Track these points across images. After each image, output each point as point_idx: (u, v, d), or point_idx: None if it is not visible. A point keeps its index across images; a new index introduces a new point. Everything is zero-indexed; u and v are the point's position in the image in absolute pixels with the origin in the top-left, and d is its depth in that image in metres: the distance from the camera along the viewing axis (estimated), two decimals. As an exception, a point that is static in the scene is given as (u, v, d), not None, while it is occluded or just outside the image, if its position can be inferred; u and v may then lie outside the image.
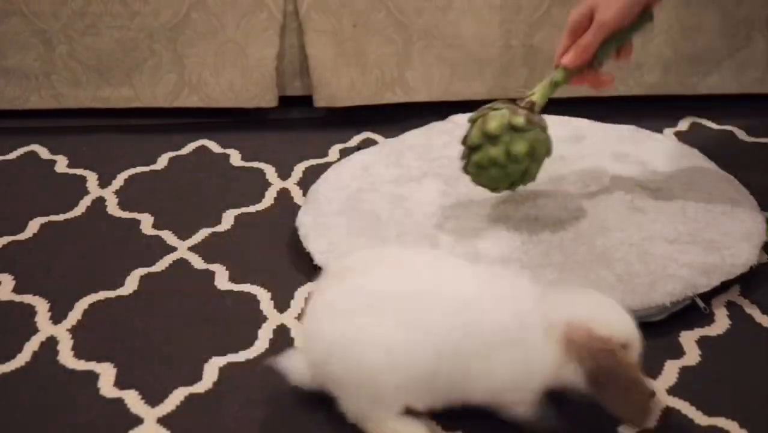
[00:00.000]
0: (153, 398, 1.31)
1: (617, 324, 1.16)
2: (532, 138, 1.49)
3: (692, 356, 1.37)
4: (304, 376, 1.25)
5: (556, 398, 1.30)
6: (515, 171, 1.50)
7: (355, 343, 1.17)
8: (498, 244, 1.51)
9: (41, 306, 1.48)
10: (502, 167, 1.49)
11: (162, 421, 1.27)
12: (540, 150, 1.51)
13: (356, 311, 1.17)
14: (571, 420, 1.26)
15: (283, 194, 1.75)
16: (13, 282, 1.53)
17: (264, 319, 1.45)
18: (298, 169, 1.82)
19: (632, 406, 1.16)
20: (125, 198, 1.74)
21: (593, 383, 1.15)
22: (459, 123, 1.86)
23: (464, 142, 1.54)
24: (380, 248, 1.36)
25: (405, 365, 1.16)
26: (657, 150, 1.76)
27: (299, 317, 1.44)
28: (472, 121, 1.53)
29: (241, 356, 1.37)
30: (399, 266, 1.21)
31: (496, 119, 1.49)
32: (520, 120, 1.48)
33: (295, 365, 1.26)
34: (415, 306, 1.17)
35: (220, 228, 1.66)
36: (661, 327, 1.41)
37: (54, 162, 1.85)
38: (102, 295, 1.50)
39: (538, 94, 1.53)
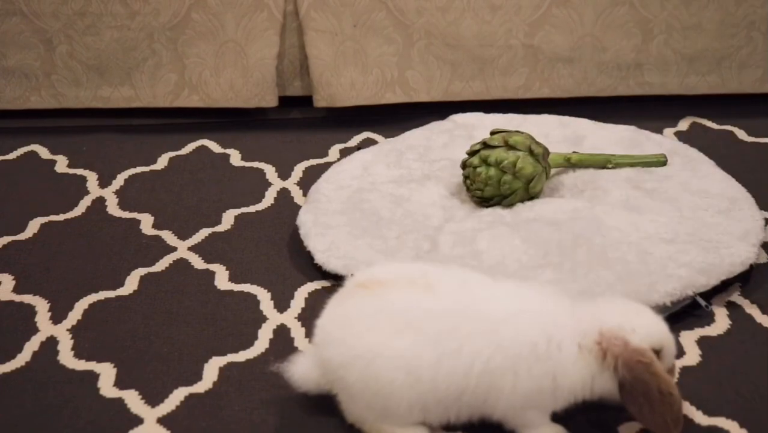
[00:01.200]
0: (153, 398, 1.31)
1: (651, 331, 1.17)
2: (534, 164, 1.60)
3: (692, 356, 1.37)
4: (309, 380, 1.24)
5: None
6: (507, 181, 1.58)
7: (376, 357, 1.16)
8: (498, 244, 1.51)
9: (41, 306, 1.48)
10: (501, 172, 1.58)
11: (162, 421, 1.27)
12: (533, 179, 1.60)
13: (379, 325, 1.17)
14: (572, 420, 1.26)
15: (283, 194, 1.75)
16: (13, 282, 1.53)
17: (264, 319, 1.45)
18: (298, 169, 1.82)
19: (663, 418, 1.15)
20: (125, 198, 1.74)
21: (627, 395, 1.15)
22: (459, 123, 1.86)
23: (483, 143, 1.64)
24: (409, 263, 1.34)
25: (428, 385, 1.16)
26: (656, 150, 1.75)
27: (300, 317, 1.44)
28: (495, 132, 1.65)
29: (241, 356, 1.37)
30: (427, 282, 1.20)
31: (521, 136, 1.61)
32: (539, 149, 1.61)
33: (300, 369, 1.25)
34: (441, 326, 1.16)
35: (220, 228, 1.66)
36: (661, 327, 1.41)
37: (54, 162, 1.85)
38: (102, 295, 1.50)
39: (555, 155, 1.68)
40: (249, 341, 1.40)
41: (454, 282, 1.21)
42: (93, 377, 1.34)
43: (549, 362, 1.15)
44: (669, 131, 1.92)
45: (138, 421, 1.27)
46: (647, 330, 1.16)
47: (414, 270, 1.24)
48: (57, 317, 1.45)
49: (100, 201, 1.73)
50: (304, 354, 1.27)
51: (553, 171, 1.69)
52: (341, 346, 1.19)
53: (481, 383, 1.16)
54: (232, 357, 1.37)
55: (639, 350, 1.14)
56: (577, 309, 1.19)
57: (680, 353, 1.37)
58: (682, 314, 1.43)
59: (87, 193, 1.76)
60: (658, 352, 1.17)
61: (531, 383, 1.16)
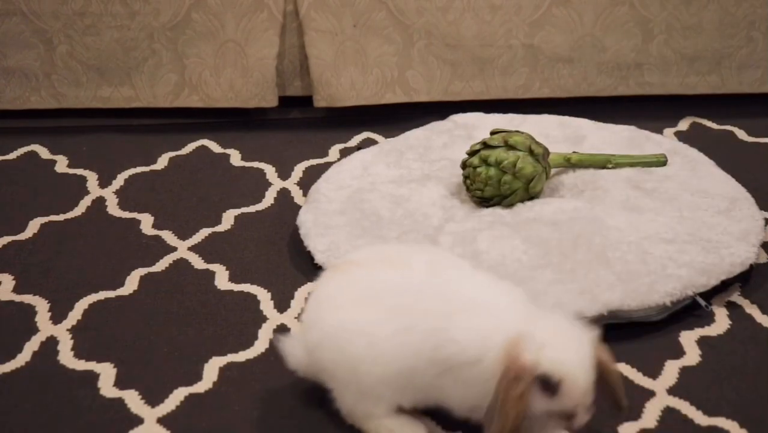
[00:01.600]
0: (153, 398, 1.31)
1: (561, 359, 1.08)
2: (534, 164, 1.60)
3: (692, 356, 1.37)
4: (300, 361, 1.25)
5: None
6: (507, 181, 1.58)
7: (342, 332, 1.18)
8: (498, 244, 1.51)
9: (41, 306, 1.48)
10: (501, 172, 1.58)
11: (162, 421, 1.27)
12: (533, 179, 1.60)
13: (348, 302, 1.19)
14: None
15: (283, 194, 1.75)
16: (13, 282, 1.53)
17: (264, 319, 1.45)
18: (298, 169, 1.82)
19: (491, 426, 1.09)
20: (125, 198, 1.74)
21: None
22: (459, 123, 1.86)
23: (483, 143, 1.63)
24: (386, 245, 1.36)
25: (386, 358, 1.17)
26: (656, 150, 1.76)
27: (299, 316, 1.44)
28: (495, 132, 1.65)
29: (241, 356, 1.37)
30: (399, 262, 1.20)
31: (521, 136, 1.61)
32: (539, 149, 1.61)
33: (291, 351, 1.26)
34: (401, 302, 1.16)
35: (220, 228, 1.66)
36: (661, 327, 1.41)
37: (54, 162, 1.85)
38: (102, 295, 1.50)
39: (555, 155, 1.68)
40: (249, 341, 1.40)
41: (426, 261, 1.20)
42: (93, 377, 1.34)
43: (478, 367, 1.12)
44: (669, 131, 1.92)
45: (138, 421, 1.27)
46: (556, 358, 1.08)
47: (388, 250, 1.26)
48: (57, 317, 1.45)
49: (100, 201, 1.73)
50: (293, 337, 1.27)
51: (553, 171, 1.69)
52: (315, 327, 1.21)
53: (429, 368, 1.15)
54: (232, 357, 1.37)
55: (521, 366, 1.07)
56: (527, 316, 1.13)
57: (680, 353, 1.38)
58: (682, 314, 1.43)
59: (87, 193, 1.76)
60: (556, 385, 1.08)
61: (463, 383, 1.14)
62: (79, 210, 1.71)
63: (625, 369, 1.34)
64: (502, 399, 1.06)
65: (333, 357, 1.20)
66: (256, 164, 1.84)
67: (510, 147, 1.60)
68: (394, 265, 1.20)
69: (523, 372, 1.07)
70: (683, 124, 1.94)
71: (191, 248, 1.60)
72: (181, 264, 1.57)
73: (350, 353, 1.18)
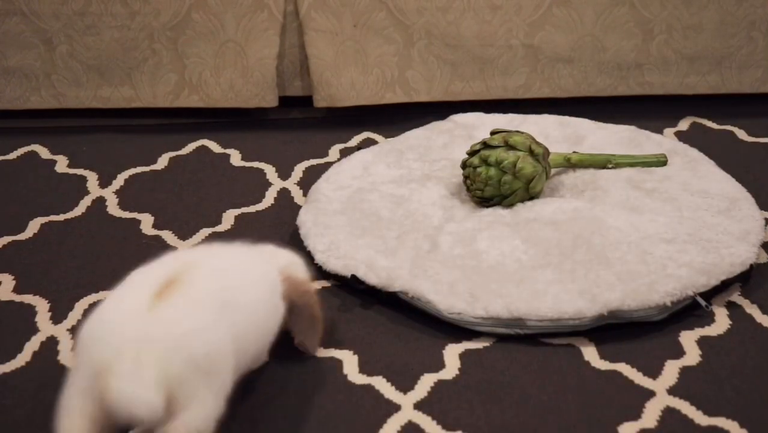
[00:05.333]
0: (153, 398, 1.30)
1: (302, 267, 1.37)
2: (534, 164, 1.60)
3: (692, 356, 1.37)
4: (154, 406, 1.09)
5: (555, 397, 1.31)
6: (507, 181, 1.58)
7: (195, 337, 1.12)
8: (498, 244, 1.51)
9: (41, 306, 1.48)
10: (501, 172, 1.58)
11: (162, 421, 1.27)
12: (533, 179, 1.60)
13: (189, 309, 1.15)
14: (571, 420, 1.27)
15: (283, 194, 1.75)
16: (13, 282, 1.53)
17: (264, 319, 1.44)
18: (298, 169, 1.82)
19: (316, 336, 1.37)
20: (125, 198, 1.74)
21: (296, 318, 1.34)
22: (459, 123, 1.86)
23: (483, 142, 1.63)
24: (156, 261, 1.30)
25: (230, 344, 1.17)
26: (656, 150, 1.76)
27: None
28: (495, 132, 1.65)
29: (241, 356, 1.37)
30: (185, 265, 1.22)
31: (521, 136, 1.61)
32: (539, 149, 1.61)
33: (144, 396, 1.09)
34: (212, 293, 1.18)
35: (220, 228, 1.66)
36: (661, 327, 1.41)
37: (54, 162, 1.85)
38: (102, 295, 1.50)
39: (555, 155, 1.68)
40: (249, 341, 1.40)
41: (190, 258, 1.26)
42: (93, 377, 1.34)
43: (277, 312, 1.29)
44: (669, 131, 1.92)
45: (138, 421, 1.27)
46: (301, 266, 1.37)
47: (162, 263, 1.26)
48: (57, 317, 1.45)
49: (100, 201, 1.73)
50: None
51: (553, 171, 1.70)
52: (168, 349, 1.11)
53: (247, 336, 1.24)
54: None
55: (305, 280, 1.35)
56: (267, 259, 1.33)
57: (680, 353, 1.38)
58: (682, 314, 1.43)
59: (87, 193, 1.76)
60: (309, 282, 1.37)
61: (268, 330, 1.28)
62: (79, 210, 1.71)
63: (625, 369, 1.35)
64: (315, 308, 1.34)
65: (194, 364, 1.11)
66: (256, 164, 1.84)
67: (510, 147, 1.60)
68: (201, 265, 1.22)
69: (309, 285, 1.36)
70: (683, 124, 1.95)
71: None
72: (181, 264, 1.57)
73: (211, 351, 1.14)
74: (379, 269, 1.46)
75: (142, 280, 1.21)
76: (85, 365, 1.12)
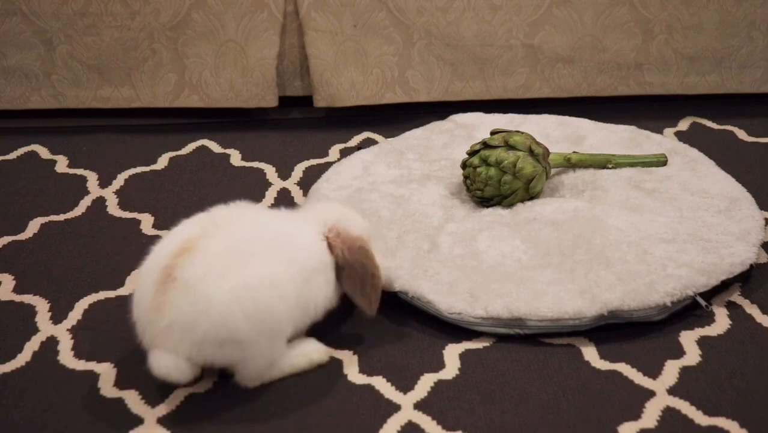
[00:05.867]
0: (153, 398, 1.31)
1: (362, 224, 1.38)
2: (534, 164, 1.60)
3: (692, 356, 1.37)
4: (182, 368, 1.25)
5: (553, 397, 1.30)
6: (507, 181, 1.58)
7: (250, 290, 1.22)
8: (498, 244, 1.51)
9: (41, 306, 1.48)
10: (501, 172, 1.58)
11: (162, 421, 1.27)
12: (533, 179, 1.60)
13: (228, 267, 1.23)
14: (571, 420, 1.27)
15: (283, 194, 1.75)
16: (13, 282, 1.53)
17: (264, 319, 1.44)
18: (298, 169, 1.82)
19: (370, 296, 1.34)
20: (125, 198, 1.74)
21: (347, 276, 1.33)
22: (459, 122, 1.86)
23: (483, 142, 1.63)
24: (188, 222, 1.36)
25: (288, 296, 1.26)
26: (656, 150, 1.76)
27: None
28: (495, 132, 1.65)
29: (241, 356, 1.37)
30: (234, 221, 1.30)
31: (521, 137, 1.61)
32: (539, 149, 1.61)
33: (169, 363, 1.25)
34: (266, 244, 1.28)
35: (220, 228, 1.65)
36: (661, 327, 1.41)
37: (54, 162, 1.85)
38: (102, 295, 1.50)
39: (555, 155, 1.68)
40: (249, 341, 1.40)
41: (251, 215, 1.36)
42: (93, 377, 1.34)
43: (314, 261, 1.32)
44: (669, 131, 1.92)
45: (138, 421, 1.27)
46: (359, 223, 1.37)
47: (212, 216, 1.33)
48: (57, 317, 1.45)
49: (100, 201, 1.73)
50: (161, 354, 1.25)
51: (553, 171, 1.70)
52: (216, 304, 1.21)
53: (303, 292, 1.30)
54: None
55: (358, 237, 1.34)
56: (312, 216, 1.37)
57: (680, 353, 1.38)
58: (682, 314, 1.43)
59: (87, 193, 1.76)
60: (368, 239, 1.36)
61: (322, 286, 1.33)
62: (79, 210, 1.71)
63: (625, 369, 1.35)
64: (370, 266, 1.33)
65: (241, 319, 1.22)
66: (256, 164, 1.84)
67: (510, 147, 1.60)
68: (224, 225, 1.29)
69: (363, 241, 1.34)
70: (683, 124, 1.94)
71: (191, 248, 1.60)
72: (181, 264, 1.57)
73: (263, 304, 1.23)
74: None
75: (158, 256, 1.28)
76: None
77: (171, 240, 1.29)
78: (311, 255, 1.32)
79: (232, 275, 1.22)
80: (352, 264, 1.33)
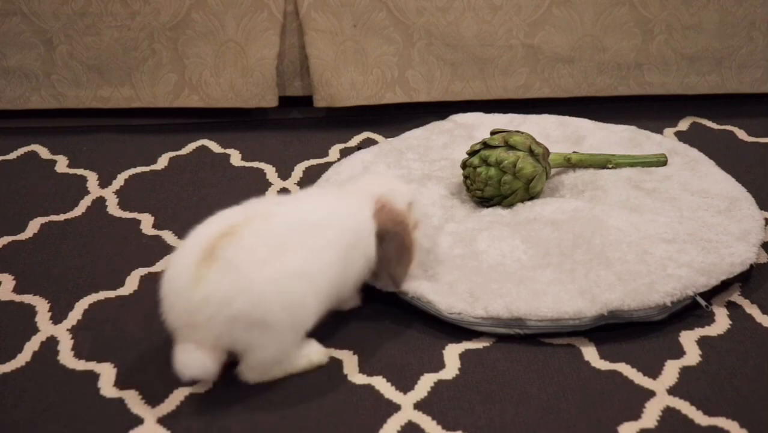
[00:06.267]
0: (153, 398, 1.31)
1: (405, 194, 1.42)
2: (534, 164, 1.60)
3: (692, 356, 1.37)
4: (204, 361, 1.26)
5: (552, 398, 1.30)
6: (507, 181, 1.58)
7: (286, 279, 1.26)
8: (498, 244, 1.51)
9: (41, 306, 1.48)
10: (501, 172, 1.58)
11: (162, 421, 1.27)
12: (533, 179, 1.60)
13: (278, 253, 1.27)
14: (571, 420, 1.27)
15: (284, 194, 1.75)
16: (13, 282, 1.53)
17: (264, 319, 1.44)
18: (298, 169, 1.82)
19: (404, 267, 1.40)
20: (125, 198, 1.74)
21: (386, 245, 1.37)
22: (459, 122, 1.86)
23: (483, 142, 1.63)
24: (222, 214, 1.38)
25: (321, 287, 1.30)
26: (656, 150, 1.76)
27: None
28: (495, 132, 1.66)
29: (241, 356, 1.38)
30: (270, 212, 1.33)
31: (521, 137, 1.61)
32: (539, 149, 1.61)
33: (192, 355, 1.27)
34: (307, 234, 1.31)
35: (220, 228, 1.65)
36: (661, 327, 1.41)
37: (54, 162, 1.85)
38: (102, 295, 1.50)
39: (555, 155, 1.68)
40: (249, 341, 1.40)
41: (288, 202, 1.41)
42: (93, 377, 1.34)
43: (370, 238, 1.37)
44: (669, 131, 1.92)
45: (138, 421, 1.27)
46: (404, 195, 1.41)
47: (249, 208, 1.36)
48: (57, 317, 1.45)
49: (100, 201, 1.73)
50: (184, 346, 1.27)
51: (553, 171, 1.70)
52: (250, 289, 1.24)
53: (342, 272, 1.34)
54: (232, 357, 1.37)
55: (401, 210, 1.39)
56: (359, 188, 1.43)
57: (680, 353, 1.38)
58: (682, 314, 1.43)
59: (87, 193, 1.76)
60: (409, 207, 1.42)
61: (362, 258, 1.37)
62: (79, 210, 1.71)
63: (625, 369, 1.35)
64: (406, 237, 1.38)
65: (276, 306, 1.25)
66: (256, 164, 1.84)
67: (510, 147, 1.60)
68: (269, 215, 1.32)
69: (403, 214, 1.40)
70: (683, 124, 1.94)
71: (191, 248, 1.60)
72: (181, 264, 1.57)
73: (298, 296, 1.27)
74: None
75: (199, 236, 1.30)
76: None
77: (213, 224, 1.32)
78: (356, 228, 1.36)
79: (274, 262, 1.26)
80: (392, 236, 1.38)
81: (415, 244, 1.41)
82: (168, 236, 1.63)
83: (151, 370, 1.35)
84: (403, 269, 1.40)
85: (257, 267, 1.25)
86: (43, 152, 1.88)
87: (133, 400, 1.30)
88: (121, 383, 1.33)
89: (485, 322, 1.39)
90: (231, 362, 1.36)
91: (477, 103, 1.94)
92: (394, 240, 1.38)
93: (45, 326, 1.44)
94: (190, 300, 1.24)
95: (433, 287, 1.43)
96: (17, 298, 1.50)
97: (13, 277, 1.54)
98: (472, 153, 1.63)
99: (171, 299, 1.28)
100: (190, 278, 1.25)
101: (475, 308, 1.40)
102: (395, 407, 1.29)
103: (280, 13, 1.87)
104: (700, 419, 1.27)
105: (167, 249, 1.60)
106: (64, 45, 1.88)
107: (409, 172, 1.72)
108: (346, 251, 1.34)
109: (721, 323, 1.43)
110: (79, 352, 1.39)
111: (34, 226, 1.66)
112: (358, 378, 1.34)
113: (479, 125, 1.84)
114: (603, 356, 1.37)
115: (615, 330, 1.40)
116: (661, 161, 1.71)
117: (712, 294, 1.45)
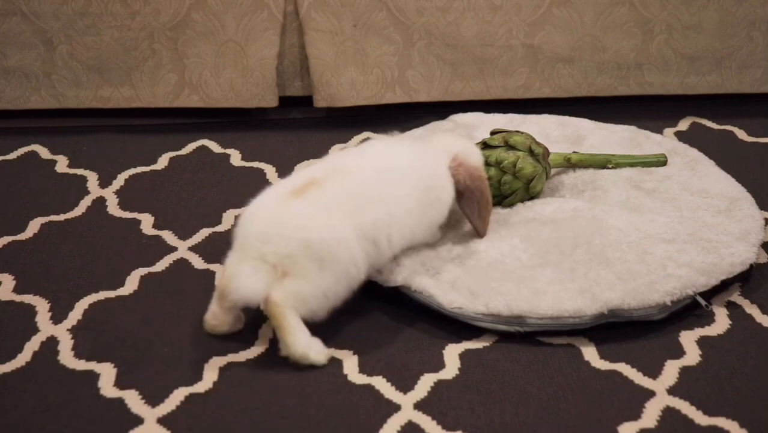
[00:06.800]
0: (153, 398, 1.31)
1: (478, 154, 1.53)
2: (534, 164, 1.60)
3: (692, 356, 1.37)
4: (258, 284, 1.33)
5: (551, 399, 1.31)
6: (507, 181, 1.59)
7: (313, 229, 1.33)
8: (497, 244, 1.51)
9: (41, 306, 1.48)
10: (501, 172, 1.59)
11: (162, 421, 1.27)
12: (533, 179, 1.61)
13: (361, 207, 1.37)
14: (571, 419, 1.27)
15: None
16: (13, 282, 1.53)
17: (264, 319, 1.44)
18: (299, 169, 1.82)
19: (485, 219, 1.51)
20: (125, 198, 1.74)
21: (466, 200, 1.49)
22: (459, 122, 1.86)
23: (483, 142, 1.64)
24: (306, 169, 1.48)
25: (394, 238, 1.40)
26: (656, 150, 1.76)
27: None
28: (495, 132, 1.67)
29: (241, 356, 1.38)
30: (353, 165, 1.43)
31: (521, 136, 1.62)
32: (539, 149, 1.62)
33: (250, 277, 1.33)
34: (388, 188, 1.40)
35: (220, 228, 1.66)
36: (661, 327, 1.41)
37: (54, 162, 1.85)
38: (102, 295, 1.50)
39: (555, 155, 1.69)
40: (249, 341, 1.40)
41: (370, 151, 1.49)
42: (93, 377, 1.34)
43: (438, 181, 1.47)
44: (669, 131, 1.92)
45: (138, 421, 1.27)
46: (477, 153, 1.52)
47: (318, 168, 1.44)
48: (57, 317, 1.45)
49: (100, 201, 1.73)
50: (243, 268, 1.34)
51: (553, 171, 1.69)
52: (329, 227, 1.34)
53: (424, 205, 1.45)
54: (232, 357, 1.37)
55: (478, 166, 1.50)
56: (436, 146, 1.52)
57: (680, 353, 1.38)
58: (682, 314, 1.43)
59: (87, 193, 1.76)
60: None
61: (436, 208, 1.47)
62: (79, 210, 1.71)
63: (625, 369, 1.35)
64: (486, 192, 1.49)
65: (346, 255, 1.34)
66: (256, 164, 1.84)
67: (510, 147, 1.60)
68: (346, 170, 1.41)
69: (481, 170, 1.51)
70: (683, 124, 1.95)
71: (191, 248, 1.60)
72: (181, 264, 1.57)
73: (366, 253, 1.37)
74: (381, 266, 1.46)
75: (291, 179, 1.43)
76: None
77: (298, 176, 1.42)
78: (438, 183, 1.46)
79: (354, 213, 1.36)
80: (472, 190, 1.48)
81: (490, 197, 1.51)
82: (168, 235, 1.63)
83: (151, 370, 1.35)
84: (484, 221, 1.51)
85: (338, 215, 1.34)
86: (43, 152, 1.88)
87: (133, 400, 1.30)
88: (121, 383, 1.33)
89: (486, 318, 1.39)
90: (230, 362, 1.37)
91: (477, 103, 1.94)
92: (473, 195, 1.48)
93: (45, 326, 1.44)
94: (275, 215, 1.35)
95: (434, 283, 1.43)
96: (17, 298, 1.50)
97: (13, 277, 1.54)
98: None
99: (254, 213, 1.38)
100: (278, 202, 1.37)
101: (476, 305, 1.40)
102: (395, 407, 1.29)
103: (280, 13, 1.87)
104: (700, 419, 1.27)
105: (167, 249, 1.60)
106: (64, 45, 1.88)
107: (409, 172, 1.72)
108: (423, 204, 1.43)
109: (721, 323, 1.43)
110: (79, 352, 1.39)
111: (34, 226, 1.66)
112: (358, 378, 1.34)
113: (479, 125, 1.84)
114: (603, 356, 1.37)
115: (615, 330, 1.40)
116: (661, 161, 1.71)
117: (712, 294, 1.45)
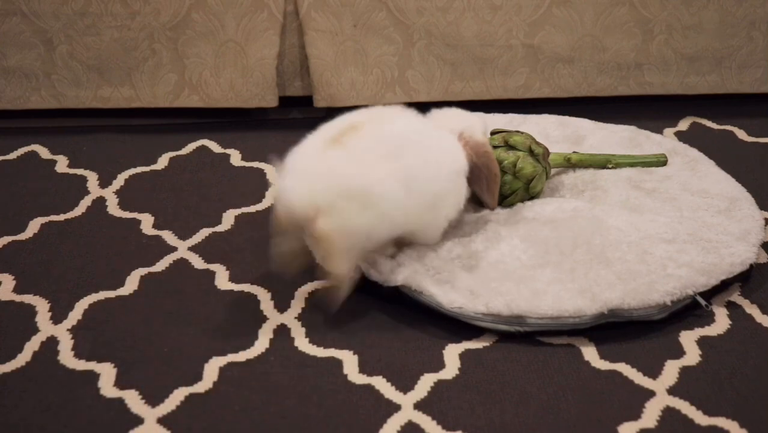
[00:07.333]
0: (153, 398, 1.31)
1: (483, 128, 1.54)
2: (534, 164, 1.60)
3: (692, 356, 1.37)
4: (302, 202, 1.36)
5: (552, 399, 1.31)
6: (507, 181, 1.59)
7: (352, 173, 1.37)
8: (497, 244, 1.51)
9: (41, 306, 1.48)
10: (501, 172, 1.58)
11: (162, 421, 1.27)
12: (533, 179, 1.61)
13: (397, 153, 1.40)
14: (571, 419, 1.27)
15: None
16: (13, 282, 1.53)
17: (264, 319, 1.45)
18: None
19: (494, 193, 1.53)
20: (125, 198, 1.74)
21: (475, 176, 1.50)
22: (459, 123, 1.86)
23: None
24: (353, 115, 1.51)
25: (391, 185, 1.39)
26: (656, 150, 1.76)
27: (300, 317, 1.44)
28: (495, 132, 1.67)
29: (241, 356, 1.38)
30: (392, 116, 1.46)
31: (521, 136, 1.62)
32: (539, 149, 1.62)
33: (295, 189, 1.38)
34: (428, 149, 1.44)
35: (220, 228, 1.66)
36: (661, 327, 1.41)
37: (54, 162, 1.85)
38: (102, 295, 1.50)
39: (555, 155, 1.69)
40: (249, 341, 1.40)
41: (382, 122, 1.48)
42: (93, 377, 1.35)
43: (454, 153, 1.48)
44: (669, 131, 1.92)
45: (138, 421, 1.27)
46: (480, 128, 1.53)
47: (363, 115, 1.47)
48: (57, 317, 1.46)
49: (100, 201, 1.73)
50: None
51: (553, 171, 1.70)
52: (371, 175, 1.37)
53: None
54: (232, 357, 1.37)
55: (484, 142, 1.51)
56: (441, 123, 1.52)
57: (680, 353, 1.38)
58: (682, 314, 1.43)
59: (87, 193, 1.76)
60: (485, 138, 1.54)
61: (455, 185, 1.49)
62: (79, 210, 1.71)
63: (625, 369, 1.35)
64: (493, 167, 1.51)
65: (381, 199, 1.37)
66: (256, 164, 1.84)
67: (510, 147, 1.60)
68: (385, 120, 1.45)
69: (487, 146, 1.52)
70: (683, 124, 1.95)
71: (191, 248, 1.60)
72: (181, 264, 1.57)
73: (399, 202, 1.39)
74: (381, 265, 1.46)
75: (329, 127, 1.47)
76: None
77: (338, 123, 1.46)
78: (455, 159, 1.48)
79: (393, 160, 1.38)
80: (479, 167, 1.50)
81: (497, 171, 1.53)
82: (168, 235, 1.63)
83: (151, 370, 1.35)
84: (493, 195, 1.54)
85: (376, 161, 1.37)
86: (43, 152, 1.88)
87: (133, 400, 1.31)
88: (121, 383, 1.33)
89: (486, 318, 1.40)
90: (230, 362, 1.37)
91: (477, 103, 1.94)
92: (481, 172, 1.50)
93: (45, 326, 1.44)
94: (317, 161, 1.39)
95: (434, 283, 1.43)
96: (17, 298, 1.50)
97: (13, 277, 1.54)
98: None
99: (293, 163, 1.41)
100: (317, 150, 1.41)
101: (476, 304, 1.40)
102: (395, 407, 1.29)
103: (280, 13, 1.88)
104: (700, 419, 1.27)
105: (167, 249, 1.60)
106: (64, 45, 1.88)
107: (409, 172, 1.72)
108: (452, 174, 1.46)
109: (721, 323, 1.43)
110: (79, 352, 1.39)
111: (34, 226, 1.66)
112: (358, 378, 1.34)
113: (479, 125, 1.84)
114: (603, 356, 1.37)
115: (615, 330, 1.40)
116: (661, 161, 1.71)
117: (712, 294, 1.45)
